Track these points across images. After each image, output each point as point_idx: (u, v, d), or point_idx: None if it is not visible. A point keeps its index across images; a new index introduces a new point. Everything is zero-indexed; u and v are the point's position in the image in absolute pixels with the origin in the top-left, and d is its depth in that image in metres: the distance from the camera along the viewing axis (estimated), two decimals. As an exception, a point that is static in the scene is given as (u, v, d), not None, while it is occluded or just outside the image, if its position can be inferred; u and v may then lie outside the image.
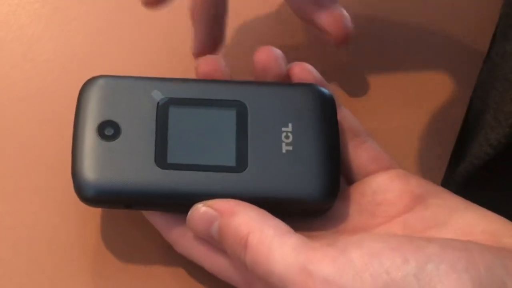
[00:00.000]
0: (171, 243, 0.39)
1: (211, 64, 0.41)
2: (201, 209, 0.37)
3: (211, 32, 0.43)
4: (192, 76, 0.42)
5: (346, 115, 0.42)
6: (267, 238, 0.34)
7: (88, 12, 0.50)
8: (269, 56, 0.41)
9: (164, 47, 0.49)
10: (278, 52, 0.41)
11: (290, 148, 0.38)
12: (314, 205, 0.38)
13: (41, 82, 0.47)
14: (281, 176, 0.37)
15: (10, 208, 0.42)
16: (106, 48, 0.49)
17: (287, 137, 0.38)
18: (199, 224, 0.37)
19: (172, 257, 0.40)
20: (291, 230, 0.35)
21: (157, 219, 0.39)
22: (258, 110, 0.39)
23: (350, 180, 0.41)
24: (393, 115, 0.47)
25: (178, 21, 0.50)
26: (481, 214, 0.36)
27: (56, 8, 0.50)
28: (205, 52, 0.43)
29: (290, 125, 0.39)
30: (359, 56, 0.49)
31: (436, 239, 0.33)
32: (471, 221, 0.36)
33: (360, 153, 0.41)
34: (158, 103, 0.39)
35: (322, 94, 0.40)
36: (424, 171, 0.45)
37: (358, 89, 0.48)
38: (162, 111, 0.39)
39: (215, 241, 0.37)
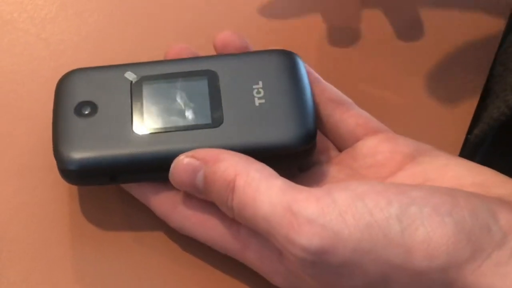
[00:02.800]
0: (164, 219, 0.39)
1: (178, 49, 0.43)
2: (184, 160, 0.37)
3: None
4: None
5: (327, 87, 0.42)
6: (253, 180, 0.34)
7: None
8: (227, 35, 0.43)
9: (178, 28, 0.50)
10: (234, 32, 0.43)
11: (262, 101, 0.40)
12: (292, 148, 0.38)
13: (54, 62, 0.48)
14: (257, 125, 0.39)
15: (21, 185, 0.43)
16: (119, 28, 0.50)
17: (258, 92, 0.40)
18: (183, 176, 0.37)
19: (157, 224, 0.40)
20: (277, 174, 0.35)
21: (146, 196, 0.39)
22: (229, 75, 0.41)
23: (341, 147, 0.42)
24: (410, 84, 0.48)
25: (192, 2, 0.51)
26: (470, 167, 0.37)
27: (70, -11, 0.52)
28: None
29: (260, 82, 0.41)
30: (376, 25, 0.50)
31: (423, 185, 0.33)
32: (461, 174, 0.36)
33: (347, 120, 0.41)
34: (132, 82, 0.41)
35: (286, 53, 0.42)
36: (444, 140, 0.45)
37: (373, 57, 0.49)
38: (137, 88, 0.41)
39: (200, 192, 0.37)
